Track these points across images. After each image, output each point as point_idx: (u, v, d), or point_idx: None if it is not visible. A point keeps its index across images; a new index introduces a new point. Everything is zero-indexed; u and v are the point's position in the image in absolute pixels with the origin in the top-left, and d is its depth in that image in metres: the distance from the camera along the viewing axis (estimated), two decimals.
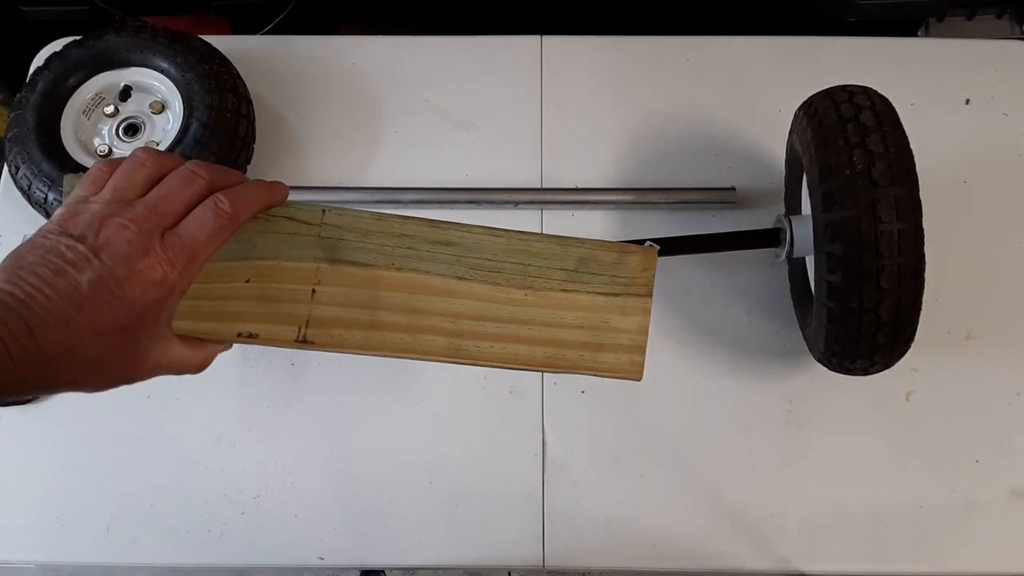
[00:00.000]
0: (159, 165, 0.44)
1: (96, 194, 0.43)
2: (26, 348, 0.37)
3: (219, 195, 0.44)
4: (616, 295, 0.49)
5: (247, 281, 0.46)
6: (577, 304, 0.49)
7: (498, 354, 0.47)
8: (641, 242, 0.53)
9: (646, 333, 0.49)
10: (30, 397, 0.40)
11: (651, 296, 0.49)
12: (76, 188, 0.44)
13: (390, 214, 0.48)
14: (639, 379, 0.49)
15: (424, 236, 0.48)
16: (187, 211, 0.43)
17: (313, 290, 0.47)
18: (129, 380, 0.43)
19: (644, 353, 0.49)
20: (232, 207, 0.43)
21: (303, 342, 0.46)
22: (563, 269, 0.49)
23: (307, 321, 0.46)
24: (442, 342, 0.47)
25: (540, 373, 0.50)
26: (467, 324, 0.47)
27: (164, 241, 0.41)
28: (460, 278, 0.48)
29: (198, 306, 0.46)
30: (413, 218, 0.48)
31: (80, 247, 0.40)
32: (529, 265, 0.49)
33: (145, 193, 0.43)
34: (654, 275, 0.50)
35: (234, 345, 0.49)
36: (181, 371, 0.46)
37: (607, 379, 0.50)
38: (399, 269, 0.47)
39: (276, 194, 0.47)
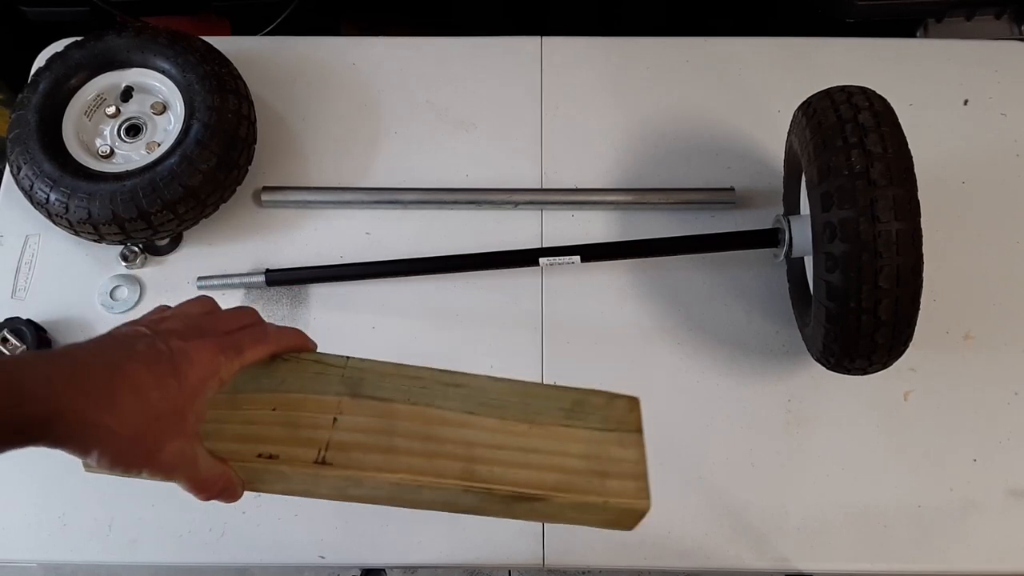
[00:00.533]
0: (211, 305, 0.52)
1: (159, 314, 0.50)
2: (68, 370, 0.39)
3: (262, 324, 0.51)
4: (611, 430, 0.52)
5: (273, 409, 0.49)
6: (578, 437, 0.51)
7: (510, 478, 0.49)
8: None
9: (645, 462, 0.51)
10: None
11: (642, 432, 0.52)
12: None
13: (406, 364, 0.53)
14: (647, 507, 0.50)
15: (436, 379, 0.52)
16: (236, 330, 0.49)
17: (335, 419, 0.49)
18: (149, 453, 0.43)
19: (647, 480, 0.50)
20: (275, 331, 0.51)
21: (322, 463, 0.48)
22: (561, 409, 0.52)
23: (327, 444, 0.48)
24: (457, 467, 0.49)
25: (547, 503, 0.51)
26: (480, 451, 0.50)
27: (218, 335, 0.47)
28: (470, 412, 0.51)
29: (223, 428, 0.48)
30: (426, 367, 0.53)
31: (141, 328, 0.45)
32: (530, 404, 0.52)
33: None
34: (641, 416, 0.53)
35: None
36: (195, 477, 0.46)
37: (610, 528, 0.52)
38: (414, 404, 0.51)
39: (307, 340, 0.52)
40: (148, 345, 0.43)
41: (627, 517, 0.50)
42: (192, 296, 0.50)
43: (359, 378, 0.52)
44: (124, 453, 0.41)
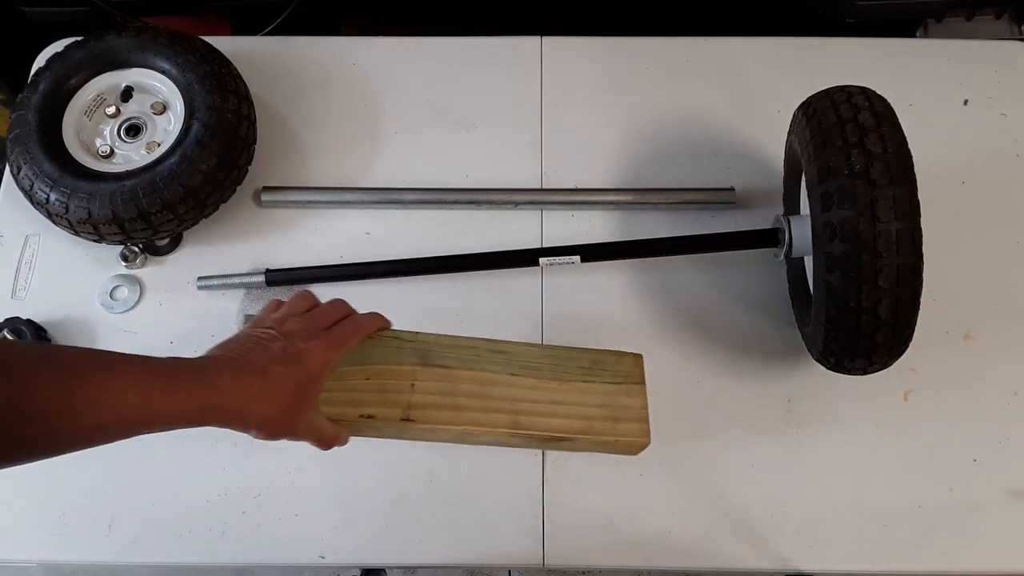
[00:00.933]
0: (313, 300, 0.66)
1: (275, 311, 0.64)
2: (234, 375, 0.54)
3: (354, 316, 0.65)
4: (620, 383, 0.67)
5: (367, 379, 0.64)
6: (596, 390, 0.66)
7: (546, 425, 0.64)
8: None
9: (647, 408, 0.66)
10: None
11: (645, 384, 0.67)
12: (258, 312, 0.65)
13: (461, 336, 0.67)
14: (648, 441, 0.65)
15: (484, 347, 0.67)
16: (335, 323, 0.63)
17: (412, 384, 0.64)
18: (290, 427, 0.58)
19: (648, 422, 0.66)
20: (364, 319, 0.65)
21: (407, 420, 0.62)
22: (581, 368, 0.67)
23: (409, 405, 0.63)
24: (506, 418, 0.64)
25: (574, 442, 0.66)
26: (522, 405, 0.64)
27: (326, 332, 0.61)
28: (513, 374, 0.66)
29: (332, 396, 0.62)
30: (476, 337, 0.67)
31: (272, 331, 0.59)
32: (558, 365, 0.67)
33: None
34: (644, 369, 0.68)
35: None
36: (320, 437, 0.61)
37: (621, 455, 0.67)
38: (471, 369, 0.65)
39: (385, 321, 0.67)
40: (282, 349, 0.58)
41: (633, 448, 0.66)
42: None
43: (427, 350, 0.66)
44: (272, 428, 0.57)
